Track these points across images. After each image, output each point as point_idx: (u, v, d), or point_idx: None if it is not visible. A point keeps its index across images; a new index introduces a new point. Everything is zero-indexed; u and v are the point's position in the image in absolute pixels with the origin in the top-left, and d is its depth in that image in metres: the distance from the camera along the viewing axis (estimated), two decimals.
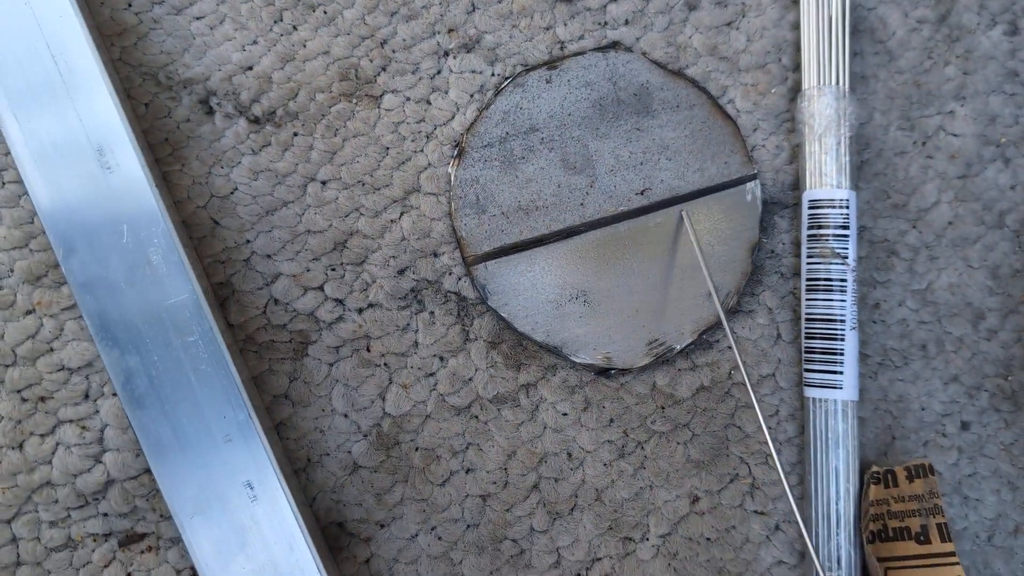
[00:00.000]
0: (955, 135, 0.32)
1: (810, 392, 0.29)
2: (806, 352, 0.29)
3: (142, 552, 0.27)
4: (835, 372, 0.29)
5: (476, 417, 0.29)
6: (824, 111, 0.30)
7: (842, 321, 0.29)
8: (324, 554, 0.26)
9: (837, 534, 0.29)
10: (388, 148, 0.29)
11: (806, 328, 0.30)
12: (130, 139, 0.26)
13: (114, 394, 0.27)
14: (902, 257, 0.31)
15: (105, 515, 0.26)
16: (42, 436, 0.26)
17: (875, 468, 0.30)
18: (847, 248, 0.29)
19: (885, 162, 0.32)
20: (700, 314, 0.30)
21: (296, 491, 0.26)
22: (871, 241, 0.31)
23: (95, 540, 0.26)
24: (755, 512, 0.29)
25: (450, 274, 0.29)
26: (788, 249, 0.31)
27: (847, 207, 0.29)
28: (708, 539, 0.29)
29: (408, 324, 0.29)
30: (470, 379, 0.29)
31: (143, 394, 0.26)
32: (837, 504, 0.29)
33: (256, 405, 0.26)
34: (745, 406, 0.30)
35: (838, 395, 0.29)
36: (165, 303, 0.26)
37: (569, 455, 0.29)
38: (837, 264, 0.29)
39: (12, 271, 0.27)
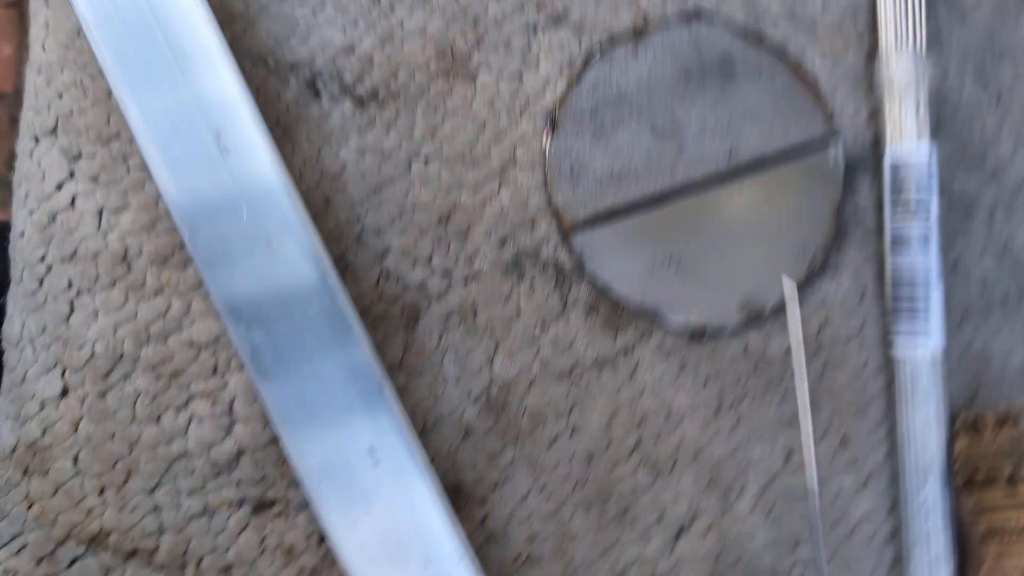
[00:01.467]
0: None
1: (898, 346, 0.31)
2: (894, 307, 0.31)
3: (274, 517, 0.29)
4: (921, 325, 0.31)
5: (578, 380, 0.31)
6: (902, 71, 0.31)
7: (926, 275, 0.31)
8: (444, 515, 0.28)
9: (927, 481, 0.30)
10: (485, 123, 0.31)
11: (892, 283, 0.31)
12: (246, 121, 0.28)
13: (241, 368, 0.29)
14: (980, 212, 0.33)
15: (238, 483, 0.29)
16: (177, 410, 0.29)
17: (962, 417, 0.31)
18: (929, 203, 0.31)
19: (961, 119, 0.33)
20: (789, 273, 0.31)
21: (416, 455, 0.28)
22: (949, 197, 0.33)
23: (230, 507, 0.29)
24: (846, 465, 0.31)
25: (548, 243, 0.31)
26: (871, 208, 0.32)
27: (928, 163, 0.31)
28: (803, 493, 0.31)
29: (511, 293, 0.31)
30: (571, 344, 0.31)
31: (269, 367, 0.29)
32: (927, 454, 0.31)
33: (375, 374, 0.28)
34: (833, 363, 0.32)
35: (926, 347, 0.31)
36: (286, 278, 0.28)
37: (667, 415, 0.31)
38: (920, 220, 0.31)
39: (141, 253, 0.29)
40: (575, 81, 0.31)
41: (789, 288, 0.26)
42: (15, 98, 1.16)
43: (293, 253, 0.28)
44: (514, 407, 0.30)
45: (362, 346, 0.28)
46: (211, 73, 0.29)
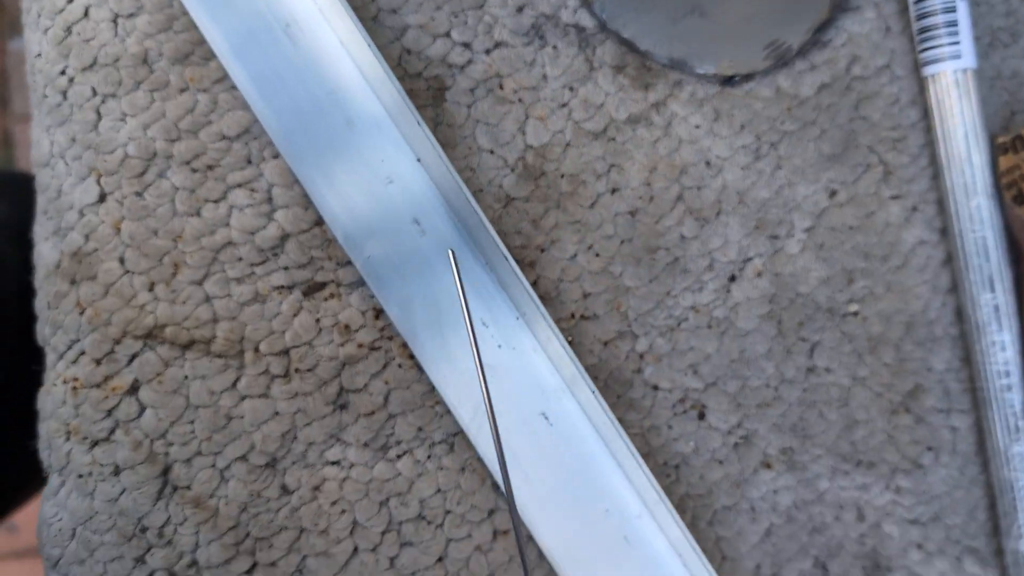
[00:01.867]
0: None
1: (929, 69, 0.31)
2: (919, 32, 0.31)
3: (326, 299, 0.29)
4: (952, 44, 0.31)
5: (613, 139, 0.30)
6: None
7: None
8: (497, 276, 0.28)
9: (975, 195, 0.30)
10: None
11: (916, 8, 0.31)
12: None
13: (275, 156, 0.29)
14: None
15: (286, 268, 0.29)
16: (215, 202, 0.29)
17: (1001, 139, 0.31)
18: None
19: None
20: (812, 13, 0.31)
21: (465, 218, 0.28)
22: None
23: (280, 292, 0.29)
24: (891, 197, 0.31)
25: (566, 6, 0.31)
26: None
27: None
28: (851, 227, 0.31)
29: (534, 59, 0.30)
30: (602, 104, 0.31)
31: (303, 150, 0.28)
32: (971, 169, 0.31)
33: (412, 147, 0.28)
34: (867, 97, 0.31)
35: (957, 64, 0.30)
36: (310, 63, 0.28)
37: (707, 163, 0.31)
38: None
39: (161, 54, 0.29)
40: None
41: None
42: (1, 78, 1.16)
43: (314, 22, 0.28)
44: (552, 172, 0.30)
45: (393, 119, 0.28)
46: None
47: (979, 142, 0.30)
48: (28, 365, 0.45)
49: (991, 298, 0.30)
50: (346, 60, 0.28)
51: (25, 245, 0.48)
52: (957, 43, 0.31)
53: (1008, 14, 0.32)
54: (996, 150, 0.31)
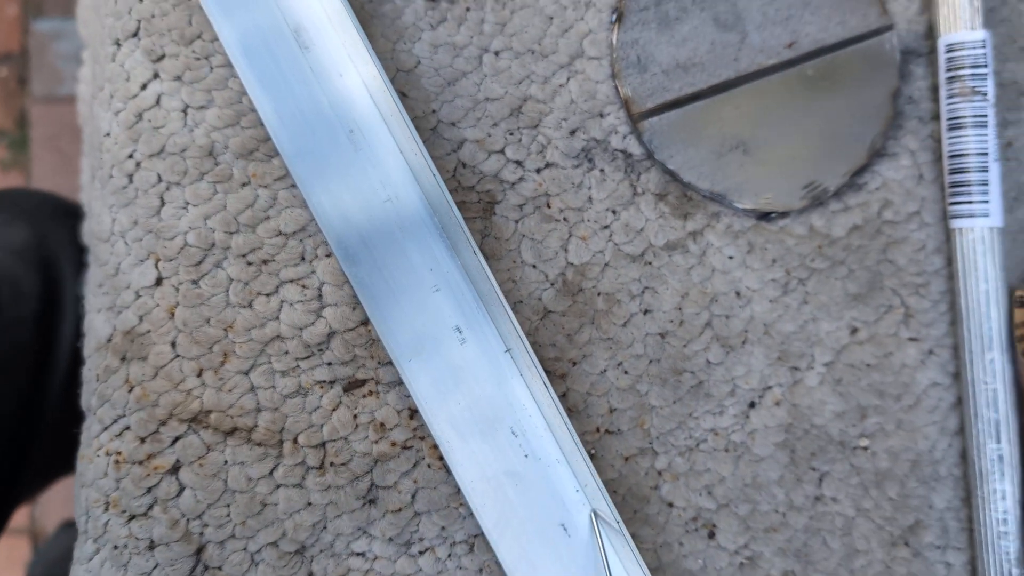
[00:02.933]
0: None
1: (957, 223, 0.33)
2: (951, 186, 0.33)
3: (364, 396, 0.31)
4: (981, 202, 0.32)
5: (650, 263, 0.32)
6: None
7: (985, 154, 0.32)
8: (531, 388, 0.30)
9: (990, 349, 0.32)
10: (552, 17, 0.32)
11: (950, 163, 0.33)
12: (324, 17, 0.30)
13: (328, 255, 0.30)
14: None
15: (329, 364, 0.30)
16: (268, 295, 0.30)
17: (1019, 292, 0.33)
18: (986, 86, 0.32)
19: (1010, 8, 0.35)
20: (850, 157, 0.33)
21: (504, 332, 0.29)
22: (1001, 84, 0.34)
23: (322, 387, 0.30)
24: (909, 339, 0.33)
25: (616, 132, 0.32)
26: (925, 95, 0.34)
27: (983, 47, 0.32)
28: (868, 365, 0.33)
29: (582, 181, 0.32)
30: (642, 229, 0.32)
31: (356, 253, 0.30)
32: (988, 324, 0.32)
33: (458, 259, 0.29)
34: (895, 242, 0.33)
35: (985, 223, 0.32)
36: (369, 168, 0.30)
37: (737, 294, 0.33)
38: (978, 100, 0.32)
39: (227, 148, 0.30)
40: None
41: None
42: (21, 58, 1.17)
43: (374, 145, 0.30)
44: (589, 289, 0.32)
45: (445, 232, 0.30)
46: None
47: (999, 300, 0.32)
48: (45, 381, 0.46)
49: (996, 448, 0.32)
50: (403, 165, 0.30)
51: (43, 267, 0.49)
52: (987, 202, 0.32)
53: None
54: (1013, 303, 0.33)
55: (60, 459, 0.57)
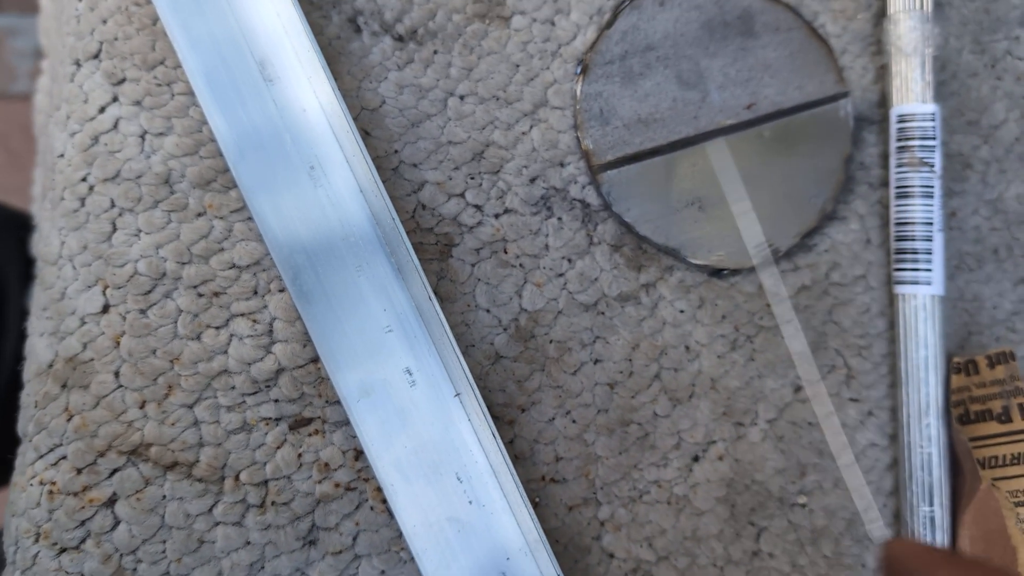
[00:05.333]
0: (1021, 58, 0.37)
1: (901, 289, 0.34)
2: (897, 253, 0.34)
3: (310, 435, 0.31)
4: (925, 270, 0.34)
5: (602, 313, 0.33)
6: (910, 33, 0.35)
7: (930, 223, 0.34)
8: (478, 433, 0.30)
9: (927, 414, 0.34)
10: (518, 65, 0.33)
11: (896, 231, 0.34)
12: (291, 51, 0.30)
13: (281, 290, 0.31)
14: (975, 170, 0.36)
15: (276, 401, 0.31)
16: (217, 328, 0.30)
17: (956, 359, 0.35)
18: (933, 157, 0.34)
19: (959, 83, 0.37)
20: (802, 219, 0.34)
21: (454, 377, 0.30)
22: (947, 155, 0.36)
23: (267, 424, 0.31)
24: (850, 399, 0.34)
25: (575, 182, 0.33)
26: (875, 161, 0.36)
27: (933, 120, 0.34)
28: (810, 423, 0.34)
29: (540, 228, 0.33)
30: (596, 279, 0.33)
31: (311, 289, 0.30)
32: (926, 390, 0.34)
33: (412, 300, 0.30)
34: (841, 303, 0.35)
35: (927, 291, 0.34)
36: (328, 206, 0.30)
37: (687, 348, 0.34)
38: (925, 171, 0.34)
39: (184, 176, 0.31)
40: (605, 28, 0.34)
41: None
42: None
43: (334, 183, 0.30)
44: (541, 336, 0.33)
45: (400, 272, 0.30)
46: (258, 2, 0.30)
47: (937, 366, 0.34)
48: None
49: (928, 510, 0.34)
50: (362, 204, 0.30)
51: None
52: (930, 271, 0.34)
53: (976, 241, 0.36)
54: (951, 369, 0.35)
55: None
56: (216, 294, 0.30)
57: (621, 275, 0.33)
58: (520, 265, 0.32)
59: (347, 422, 0.31)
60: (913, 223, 0.34)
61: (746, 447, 0.33)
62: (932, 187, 0.34)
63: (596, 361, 0.33)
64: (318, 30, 0.31)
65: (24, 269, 0.53)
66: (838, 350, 0.34)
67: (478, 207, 0.32)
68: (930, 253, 0.34)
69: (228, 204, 0.31)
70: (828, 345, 0.34)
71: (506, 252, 0.32)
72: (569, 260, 0.33)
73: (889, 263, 0.35)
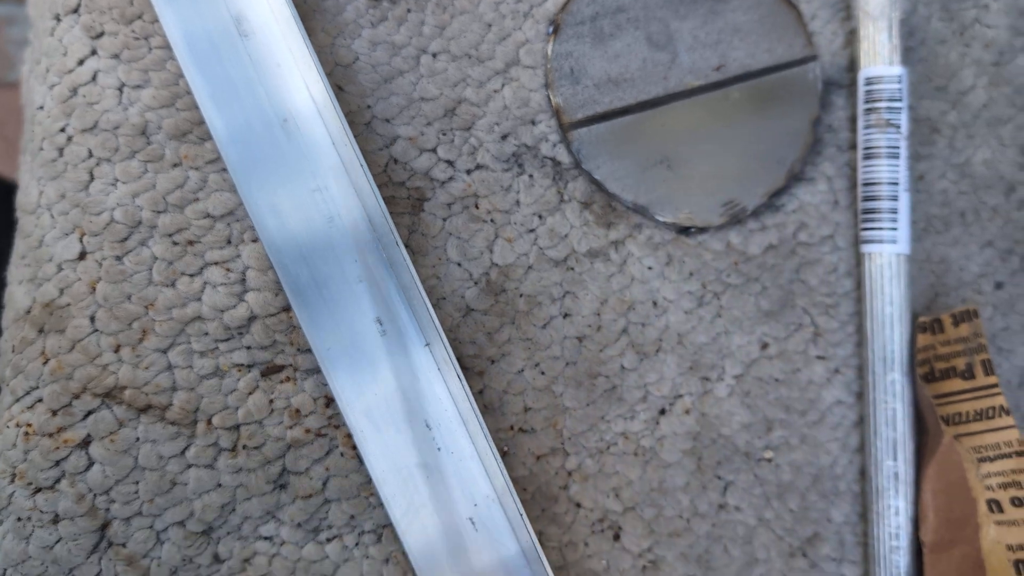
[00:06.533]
0: (989, 26, 0.38)
1: (867, 248, 0.35)
2: (864, 212, 0.35)
3: (281, 382, 0.32)
4: (890, 229, 0.35)
5: (572, 268, 0.34)
6: None
7: (896, 183, 0.35)
8: (447, 383, 0.31)
9: (892, 371, 0.34)
10: (490, 25, 0.34)
11: (864, 191, 0.35)
12: (265, 7, 0.31)
13: (254, 240, 0.31)
14: (943, 134, 0.37)
15: (248, 348, 0.31)
16: (191, 276, 0.31)
17: (922, 318, 0.35)
18: (900, 119, 0.35)
19: (928, 49, 0.37)
20: (769, 179, 0.35)
21: (424, 326, 0.31)
22: (916, 120, 0.37)
23: (240, 370, 0.31)
24: (817, 357, 0.35)
25: (546, 140, 0.34)
26: (844, 124, 0.36)
27: (900, 82, 0.35)
28: (776, 380, 0.35)
29: (511, 185, 0.34)
30: (566, 235, 0.34)
31: (282, 238, 0.31)
32: (891, 347, 0.35)
33: (384, 251, 0.31)
34: (808, 263, 0.35)
35: (893, 249, 0.35)
36: (303, 154, 0.31)
37: (654, 303, 0.34)
38: (892, 132, 0.35)
39: (160, 128, 0.31)
40: None
41: None
42: None
43: (306, 134, 0.31)
44: (511, 290, 0.33)
45: (371, 224, 0.31)
46: None
47: (903, 323, 0.35)
48: None
49: (892, 465, 0.34)
50: (335, 157, 0.31)
51: None
52: (895, 229, 0.35)
53: (944, 204, 0.37)
54: (916, 328, 0.35)
55: None
56: (191, 242, 0.31)
57: (590, 232, 0.34)
58: (491, 220, 0.33)
59: (318, 370, 0.31)
60: (879, 183, 0.35)
61: (712, 402, 0.34)
62: (898, 148, 0.35)
63: (565, 315, 0.34)
64: None
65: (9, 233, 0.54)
66: (805, 308, 0.35)
67: (450, 162, 0.33)
68: (895, 212, 0.34)
69: (203, 155, 0.32)
70: (795, 304, 0.35)
71: (477, 207, 0.33)
72: (540, 216, 0.34)
73: (856, 224, 0.35)
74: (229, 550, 0.31)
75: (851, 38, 0.36)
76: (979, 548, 0.32)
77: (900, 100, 0.35)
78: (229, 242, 0.31)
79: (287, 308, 0.31)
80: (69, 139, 0.31)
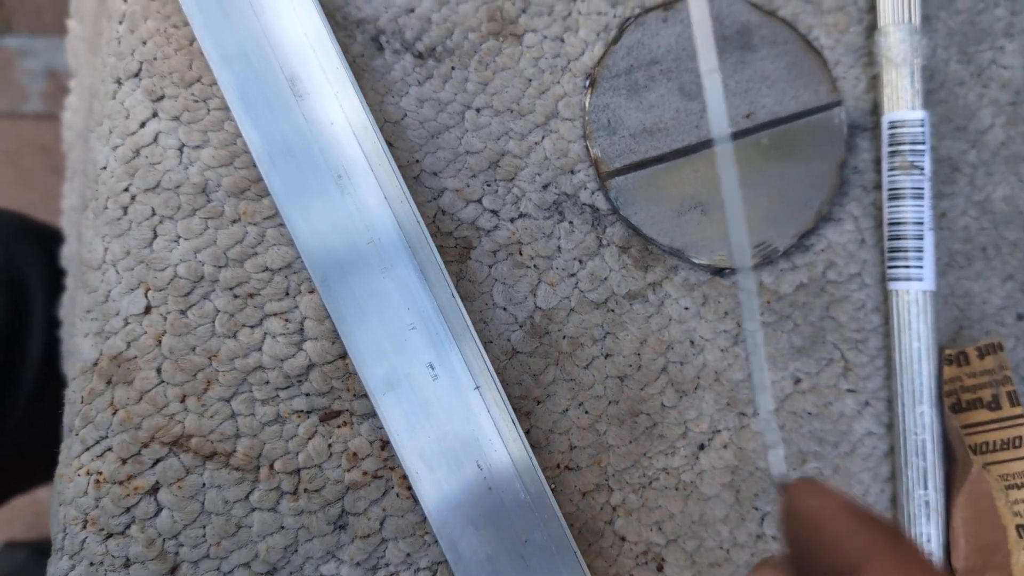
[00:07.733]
0: (1005, 67, 0.39)
1: (894, 285, 0.37)
2: (890, 251, 0.37)
3: (339, 427, 0.33)
4: (916, 267, 0.36)
5: (612, 310, 0.36)
6: (899, 44, 0.37)
7: (921, 223, 0.36)
8: (497, 424, 0.33)
9: (920, 403, 0.36)
10: (531, 80, 0.36)
11: (889, 230, 0.37)
12: (318, 68, 0.33)
13: (311, 291, 0.33)
14: (964, 173, 0.39)
15: (307, 395, 0.33)
16: (252, 327, 0.33)
17: (948, 351, 0.37)
18: (923, 160, 0.37)
19: (947, 91, 0.39)
20: (799, 221, 0.37)
21: (475, 370, 0.32)
22: (937, 159, 0.39)
23: (299, 416, 0.33)
24: (848, 390, 0.37)
25: (585, 188, 0.36)
26: (869, 166, 0.38)
27: (923, 126, 0.37)
28: (809, 413, 0.36)
29: (552, 232, 0.35)
30: (605, 278, 0.36)
31: (339, 290, 0.33)
32: (920, 379, 0.36)
33: (435, 299, 0.32)
34: (837, 300, 0.37)
35: (919, 286, 0.36)
36: (355, 212, 0.33)
37: (692, 342, 0.36)
38: (916, 174, 0.37)
39: (219, 186, 0.33)
40: (612, 44, 0.36)
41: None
42: None
43: (361, 189, 0.33)
44: (555, 333, 0.35)
45: (424, 273, 0.33)
46: (289, 22, 0.33)
47: (930, 357, 0.36)
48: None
49: (923, 494, 0.36)
50: (387, 210, 0.33)
51: (10, 286, 0.51)
52: (921, 267, 0.36)
53: (966, 240, 0.38)
54: (943, 360, 0.37)
55: (16, 478, 0.58)
56: (251, 295, 0.33)
57: (629, 275, 0.35)
58: (534, 266, 0.35)
59: (374, 414, 0.33)
60: (905, 223, 0.36)
61: (749, 436, 0.36)
62: (922, 189, 0.36)
63: (607, 355, 0.35)
64: (343, 48, 0.34)
65: (49, 278, 0.56)
66: (835, 344, 0.37)
67: (494, 212, 0.35)
68: (921, 251, 0.36)
69: (261, 211, 0.33)
70: (826, 340, 0.36)
71: (521, 254, 0.35)
72: (580, 261, 0.35)
73: (883, 262, 0.37)
74: None
75: (874, 82, 0.38)
76: (1011, 574, 0.34)
77: (923, 143, 0.36)
78: (287, 294, 0.33)
79: (343, 355, 0.33)
80: (133, 198, 0.33)
